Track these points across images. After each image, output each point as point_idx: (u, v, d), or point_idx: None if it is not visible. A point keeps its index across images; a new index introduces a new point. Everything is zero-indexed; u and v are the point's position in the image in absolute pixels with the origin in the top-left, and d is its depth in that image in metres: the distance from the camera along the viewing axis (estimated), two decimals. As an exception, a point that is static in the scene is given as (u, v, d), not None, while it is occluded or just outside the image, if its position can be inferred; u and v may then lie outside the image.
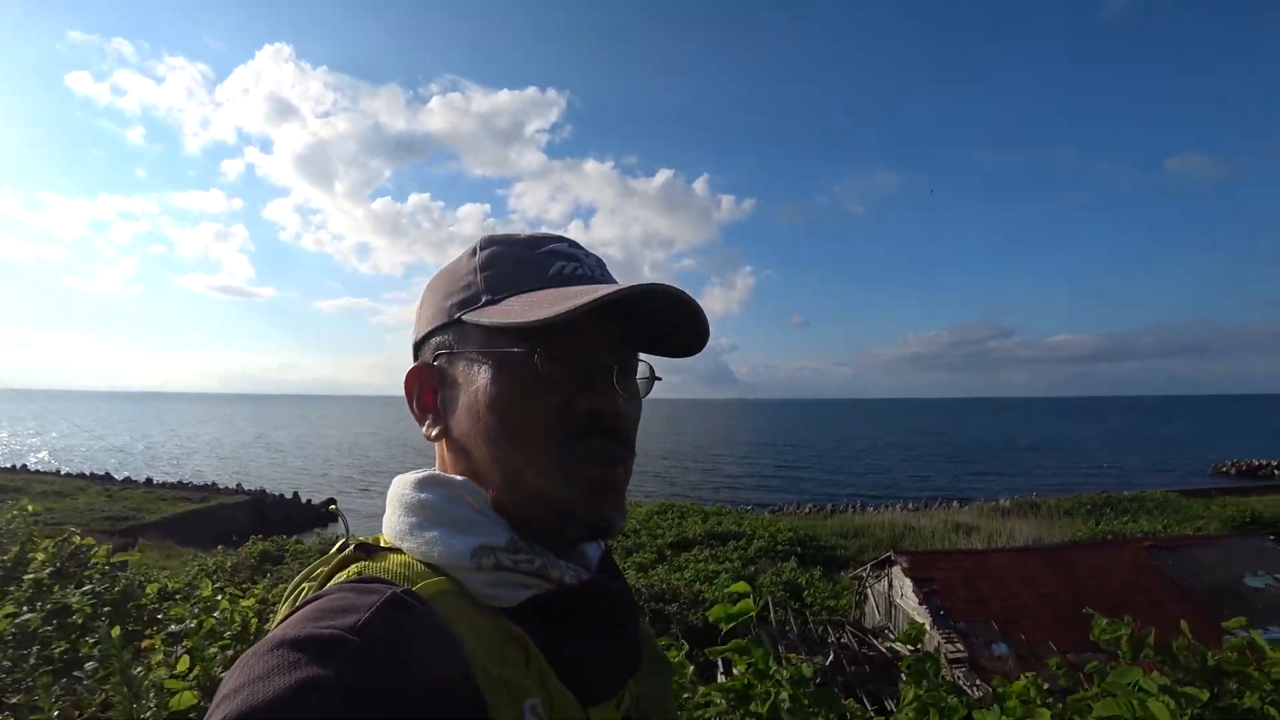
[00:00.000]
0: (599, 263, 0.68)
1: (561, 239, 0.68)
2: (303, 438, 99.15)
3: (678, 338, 0.66)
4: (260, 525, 26.48)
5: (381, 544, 0.62)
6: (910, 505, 34.28)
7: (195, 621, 2.42)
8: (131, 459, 58.45)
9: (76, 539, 3.57)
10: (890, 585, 12.36)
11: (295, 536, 22.12)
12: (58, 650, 2.65)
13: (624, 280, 0.62)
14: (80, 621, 2.76)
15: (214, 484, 38.17)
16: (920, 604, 10.52)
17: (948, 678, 1.86)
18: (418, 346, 0.69)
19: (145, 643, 2.37)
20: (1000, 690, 1.72)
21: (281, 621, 0.52)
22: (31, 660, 2.58)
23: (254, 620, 2.41)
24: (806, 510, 34.42)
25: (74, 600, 2.83)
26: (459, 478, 0.62)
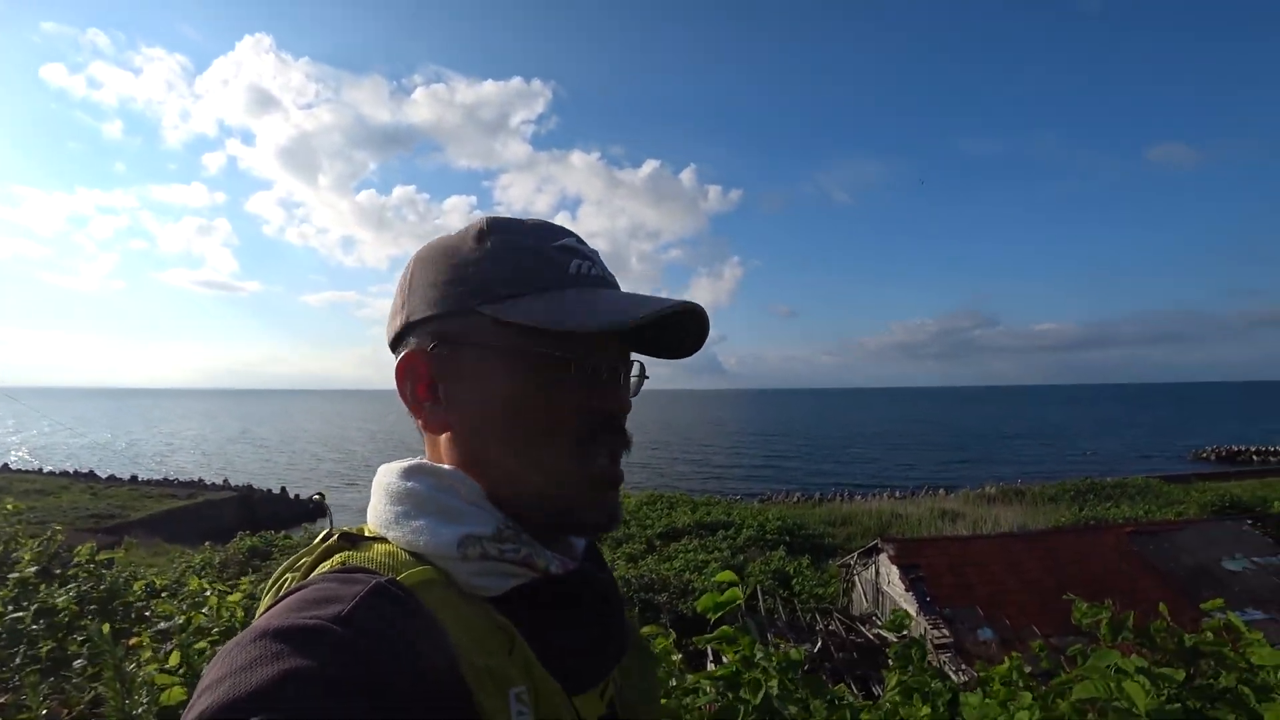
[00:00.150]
0: (600, 258, 0.69)
1: (569, 232, 0.68)
2: (288, 433, 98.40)
3: (677, 344, 0.69)
4: (248, 521, 26.33)
5: (366, 533, 0.62)
6: (897, 493, 34.57)
7: (183, 618, 2.42)
8: (114, 456, 57.81)
9: (60, 537, 3.54)
10: (877, 573, 12.48)
11: (284, 532, 21.98)
12: (45, 649, 2.63)
13: (619, 274, 0.65)
14: (67, 620, 2.75)
15: (200, 480, 37.85)
16: (907, 591, 10.64)
17: (934, 663, 1.89)
18: (408, 328, 0.63)
19: (133, 640, 2.37)
20: (983, 674, 1.75)
21: (265, 612, 0.52)
22: (18, 659, 2.57)
23: (241, 615, 2.41)
24: (795, 499, 34.64)
25: (59, 600, 2.82)
26: (448, 467, 0.61)
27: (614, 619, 0.65)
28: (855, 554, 13.88)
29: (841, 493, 36.25)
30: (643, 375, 0.70)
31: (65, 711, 2.06)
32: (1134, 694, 1.23)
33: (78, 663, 2.33)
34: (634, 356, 0.69)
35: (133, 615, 3.13)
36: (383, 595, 0.49)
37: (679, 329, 0.66)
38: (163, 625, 2.55)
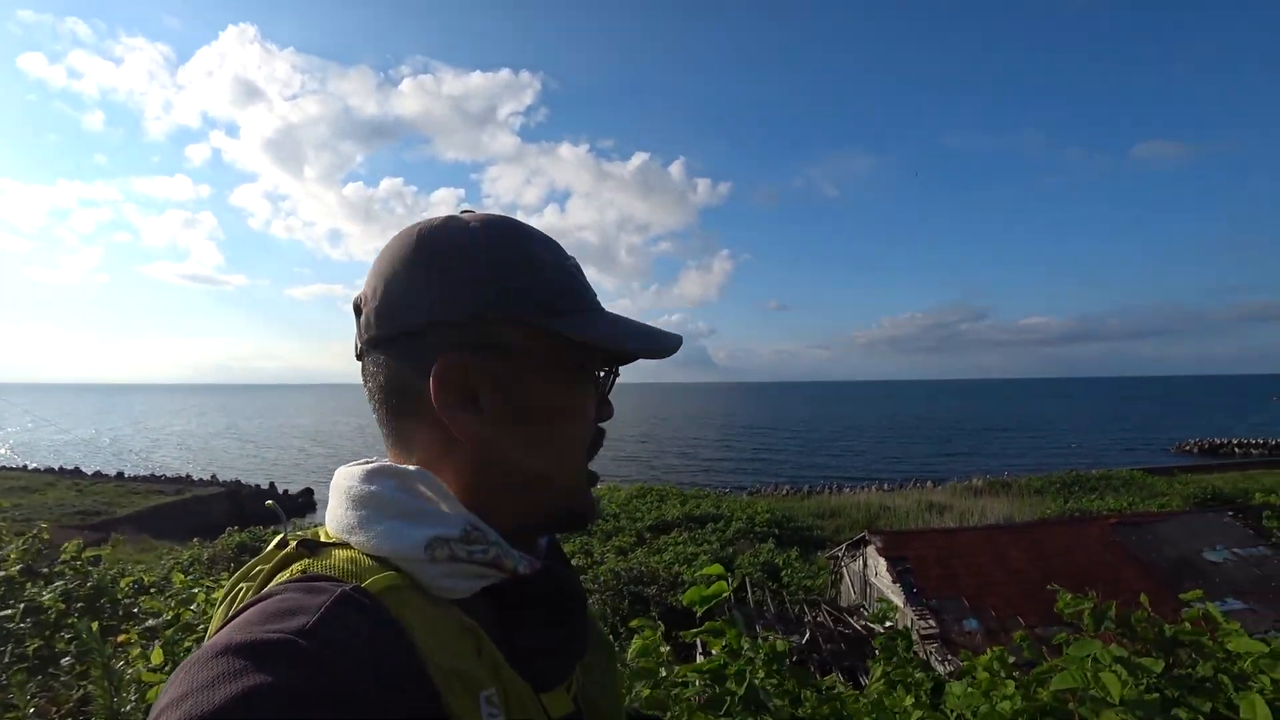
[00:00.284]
0: None
1: (566, 253, 0.69)
2: (275, 427, 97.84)
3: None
4: (237, 517, 26.15)
5: (323, 538, 0.59)
6: (885, 486, 34.83)
7: (171, 614, 2.42)
8: (98, 452, 57.33)
9: (46, 535, 3.52)
10: (865, 564, 12.58)
11: (273, 527, 21.88)
12: (32, 647, 2.62)
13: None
14: (54, 618, 2.74)
15: (188, 476, 37.60)
16: (894, 582, 10.73)
17: (920, 653, 1.92)
18: (434, 328, 0.59)
19: (121, 637, 2.36)
20: (967, 664, 1.78)
21: (221, 626, 0.49)
22: (6, 658, 2.56)
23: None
24: (784, 492, 34.81)
25: (46, 598, 2.80)
26: (412, 468, 0.58)
27: (578, 615, 0.65)
28: (843, 546, 13.98)
29: (830, 485, 36.48)
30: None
31: (53, 710, 2.05)
32: (1110, 684, 1.26)
33: (65, 661, 2.32)
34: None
35: (120, 612, 3.12)
36: (348, 604, 0.48)
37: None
38: (151, 622, 2.54)
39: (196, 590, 2.68)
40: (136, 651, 2.10)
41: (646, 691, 1.66)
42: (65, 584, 3.06)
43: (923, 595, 10.34)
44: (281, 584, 0.52)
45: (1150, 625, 1.88)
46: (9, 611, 2.58)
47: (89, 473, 37.43)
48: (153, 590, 3.55)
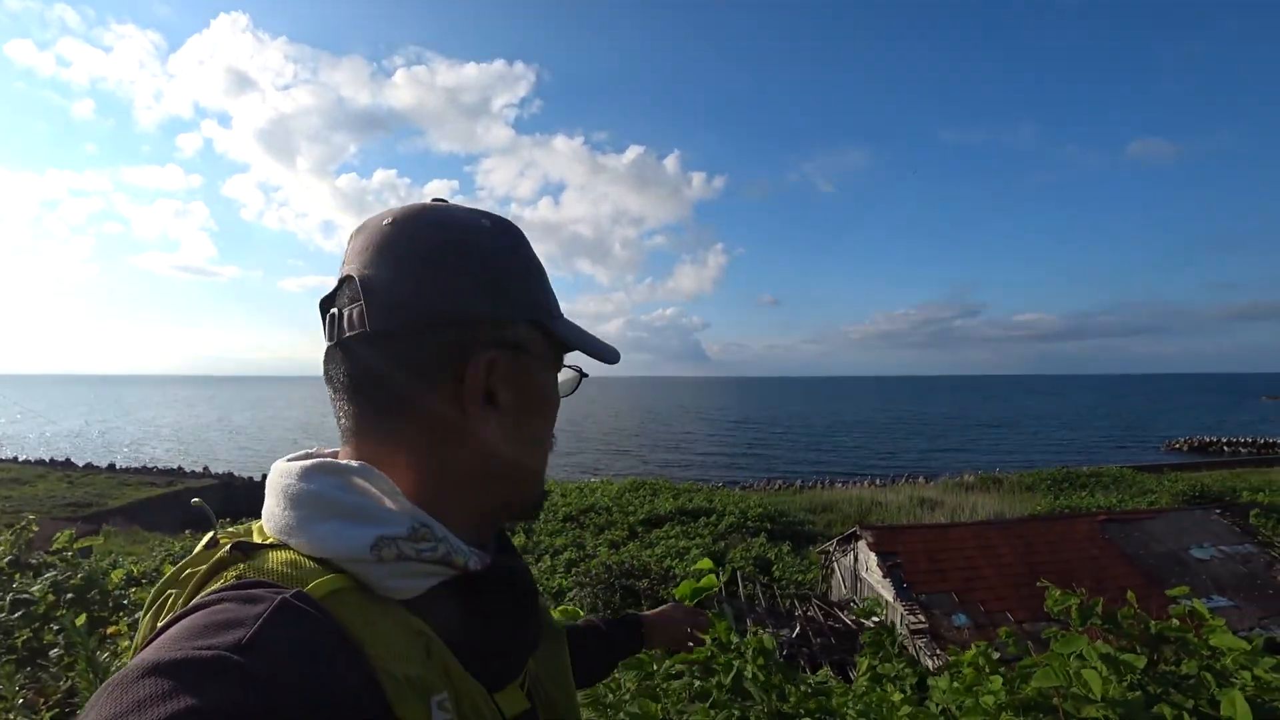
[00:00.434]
0: None
1: None
2: (267, 420, 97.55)
3: None
4: (229, 509, 26.05)
5: (258, 537, 0.57)
6: (878, 481, 35.01)
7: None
8: (86, 444, 57.03)
9: (35, 527, 3.50)
10: (856, 559, 12.64)
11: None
12: (20, 638, 2.61)
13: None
14: (42, 610, 2.73)
15: (180, 468, 37.43)
16: (884, 577, 10.78)
17: (909, 648, 1.94)
18: (457, 324, 0.58)
19: (111, 629, 2.36)
20: (953, 658, 1.80)
21: (149, 639, 0.46)
22: (-7, 649, 2.55)
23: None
24: (776, 486, 34.95)
25: (35, 589, 2.79)
26: (355, 464, 0.56)
27: (530, 608, 0.64)
28: (835, 541, 14.05)
29: (823, 480, 36.65)
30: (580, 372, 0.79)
31: (41, 701, 2.05)
32: (1091, 681, 1.27)
33: (54, 652, 2.31)
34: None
35: (110, 604, 3.11)
36: (289, 613, 0.45)
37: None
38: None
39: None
40: (126, 643, 2.10)
41: (633, 684, 1.67)
42: (55, 575, 3.05)
43: (912, 590, 10.40)
44: (215, 592, 0.49)
45: (1136, 622, 1.90)
46: (-4, 603, 2.57)
47: (80, 464, 37.21)
48: (144, 582, 3.54)
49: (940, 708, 1.65)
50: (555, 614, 1.80)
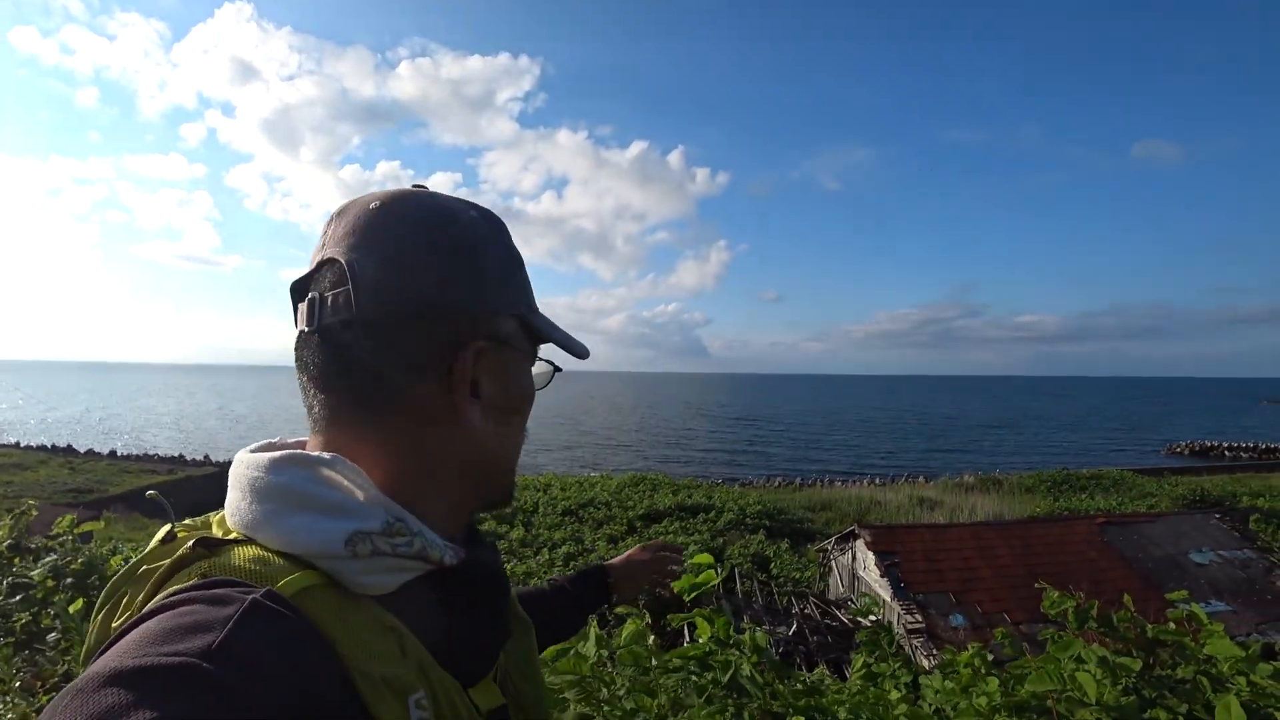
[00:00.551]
0: None
1: None
2: (269, 409, 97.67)
3: None
4: (228, 497, 26.11)
5: (216, 531, 0.55)
6: (877, 480, 35.05)
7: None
8: (85, 431, 57.20)
9: (34, 512, 3.51)
10: (854, 558, 12.66)
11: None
12: (19, 622, 2.62)
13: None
14: (41, 595, 2.74)
15: (181, 456, 37.53)
16: (882, 576, 10.80)
17: (905, 648, 1.94)
18: (451, 316, 0.58)
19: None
20: (949, 659, 1.80)
21: (110, 643, 0.42)
22: (-8, 632, 2.56)
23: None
24: (776, 484, 34.99)
25: (35, 574, 2.80)
26: (328, 455, 0.53)
27: (502, 601, 0.64)
28: (833, 539, 14.06)
29: (822, 478, 36.70)
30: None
31: (38, 684, 2.06)
32: (1085, 684, 1.27)
33: (51, 636, 2.32)
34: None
35: (109, 590, 3.12)
36: (261, 614, 0.42)
37: None
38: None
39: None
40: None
41: (627, 682, 1.67)
42: (55, 560, 3.05)
43: (910, 590, 10.41)
44: (179, 591, 0.45)
45: (1132, 625, 1.90)
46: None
47: (81, 451, 37.34)
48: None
49: (934, 708, 1.65)
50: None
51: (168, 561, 0.50)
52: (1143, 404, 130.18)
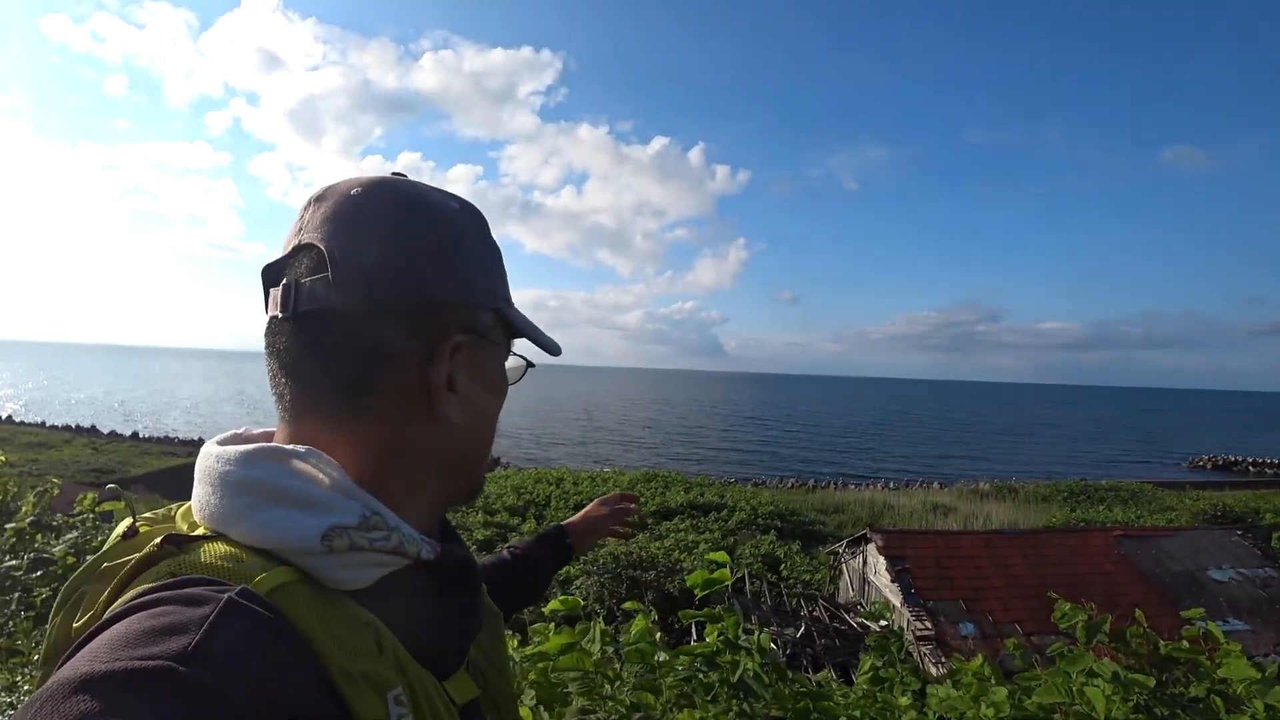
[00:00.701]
0: None
1: None
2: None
3: None
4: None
5: (182, 526, 0.53)
6: (891, 484, 34.80)
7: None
8: (105, 412, 58.22)
9: (56, 490, 3.59)
10: (865, 562, 12.59)
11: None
12: (40, 597, 2.68)
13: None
14: (62, 571, 2.79)
15: (200, 439, 38.05)
16: (892, 581, 10.73)
17: (914, 655, 1.93)
18: (433, 308, 0.57)
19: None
20: (957, 667, 1.78)
21: (77, 646, 0.40)
22: (13, 606, 2.62)
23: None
24: (789, 485, 34.88)
25: (56, 550, 2.86)
26: (302, 448, 0.52)
27: (475, 595, 0.64)
28: (844, 543, 13.99)
29: (836, 481, 36.51)
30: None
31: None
32: (1095, 699, 1.26)
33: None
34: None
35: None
36: (237, 614, 0.41)
37: None
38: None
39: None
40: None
41: (631, 678, 1.68)
42: (76, 537, 3.12)
43: (920, 596, 10.34)
44: (149, 590, 0.43)
45: (1145, 641, 1.87)
46: (16, 562, 2.63)
47: (105, 431, 38.02)
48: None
49: (938, 717, 1.64)
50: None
51: (134, 558, 0.48)
52: (1165, 415, 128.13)
